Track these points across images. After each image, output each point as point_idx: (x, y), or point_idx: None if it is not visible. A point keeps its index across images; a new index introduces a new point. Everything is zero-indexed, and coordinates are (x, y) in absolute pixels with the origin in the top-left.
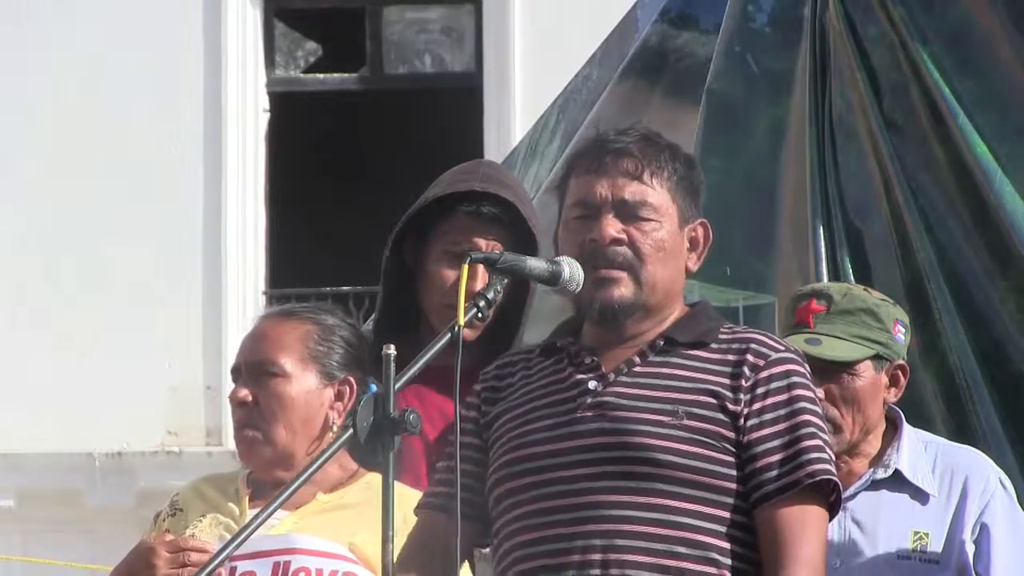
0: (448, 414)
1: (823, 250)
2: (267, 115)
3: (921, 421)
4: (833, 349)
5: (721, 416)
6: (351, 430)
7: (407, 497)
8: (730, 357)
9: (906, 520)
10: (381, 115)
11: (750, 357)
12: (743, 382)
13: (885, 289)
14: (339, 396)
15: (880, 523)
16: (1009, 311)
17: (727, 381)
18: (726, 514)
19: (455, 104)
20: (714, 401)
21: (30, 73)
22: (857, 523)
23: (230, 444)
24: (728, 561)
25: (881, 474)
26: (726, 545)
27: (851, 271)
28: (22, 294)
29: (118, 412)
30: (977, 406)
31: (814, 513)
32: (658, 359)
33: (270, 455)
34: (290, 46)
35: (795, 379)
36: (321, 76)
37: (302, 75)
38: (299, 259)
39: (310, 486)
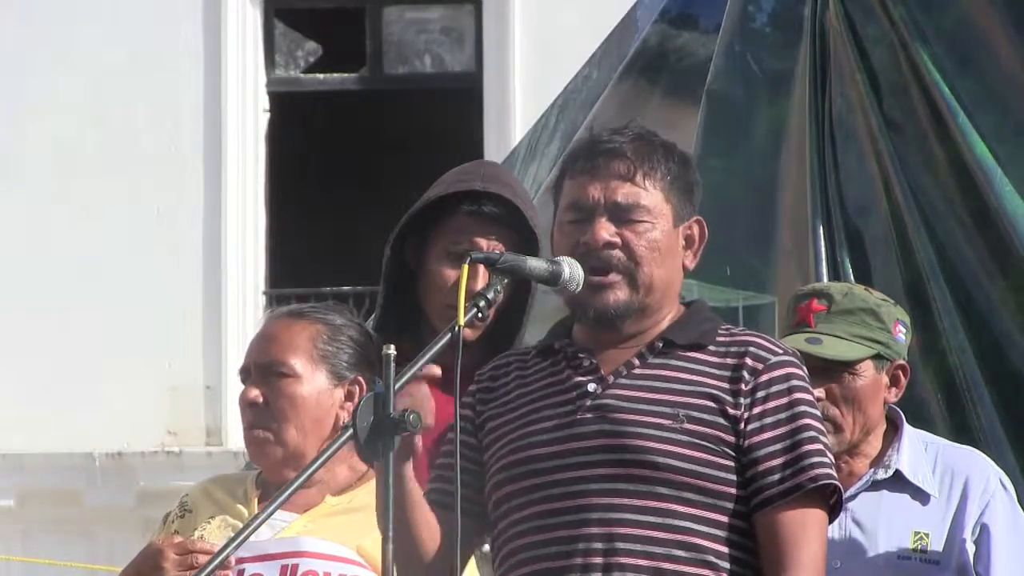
0: (447, 414)
1: (823, 250)
2: (267, 115)
3: (921, 421)
4: (834, 349)
5: (721, 420)
6: (351, 430)
7: None
8: (729, 360)
9: (906, 520)
10: (381, 115)
11: (749, 360)
12: (743, 386)
13: (885, 289)
14: (349, 396)
15: (880, 523)
16: (1009, 311)
17: (727, 385)
18: (724, 518)
19: (455, 104)
20: (714, 405)
21: (30, 73)
22: (857, 523)
23: (230, 444)
24: (726, 565)
25: (881, 474)
26: (724, 549)
27: (851, 271)
28: (22, 294)
29: (118, 412)
30: (977, 406)
31: (815, 516)
32: (657, 361)
33: (281, 455)
34: (290, 46)
35: (795, 382)
36: (321, 76)
37: (302, 75)
38: (299, 259)
39: (319, 488)
